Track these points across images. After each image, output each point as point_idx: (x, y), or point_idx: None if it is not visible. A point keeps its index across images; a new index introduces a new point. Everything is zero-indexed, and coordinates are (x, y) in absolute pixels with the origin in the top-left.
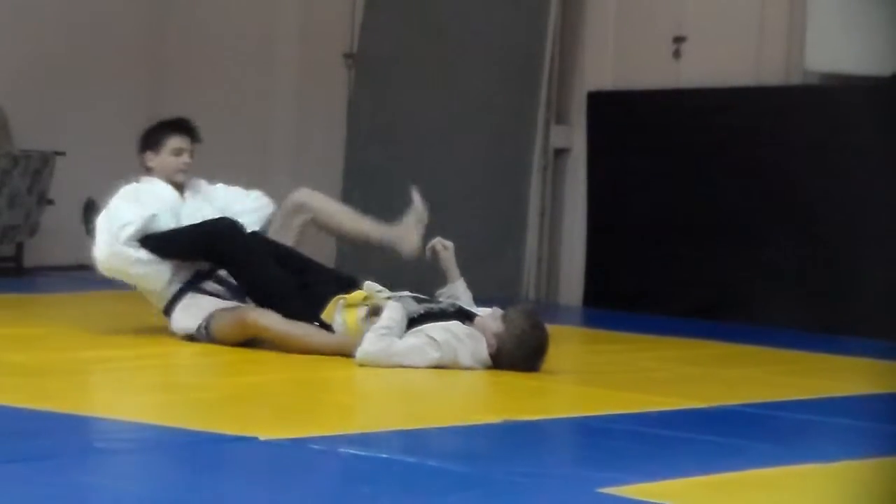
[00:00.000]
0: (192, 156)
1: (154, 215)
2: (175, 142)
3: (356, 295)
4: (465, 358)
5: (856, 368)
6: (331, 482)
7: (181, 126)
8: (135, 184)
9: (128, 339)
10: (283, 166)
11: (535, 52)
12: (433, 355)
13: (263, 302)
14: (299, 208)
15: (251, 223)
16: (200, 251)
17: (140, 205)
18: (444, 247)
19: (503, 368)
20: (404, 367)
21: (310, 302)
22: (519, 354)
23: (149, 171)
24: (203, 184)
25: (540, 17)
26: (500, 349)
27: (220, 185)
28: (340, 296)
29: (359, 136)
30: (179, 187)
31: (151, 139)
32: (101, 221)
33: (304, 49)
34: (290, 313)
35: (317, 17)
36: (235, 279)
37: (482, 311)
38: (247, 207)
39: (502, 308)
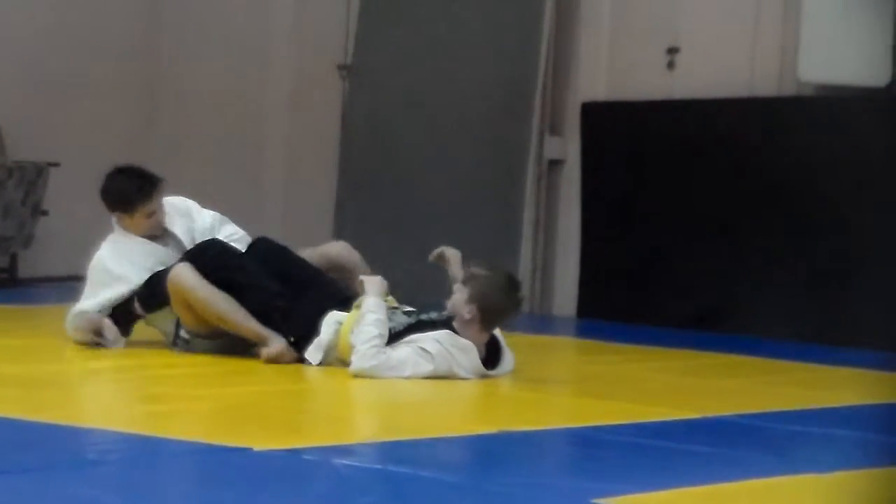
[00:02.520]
0: (161, 208)
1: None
2: (146, 207)
3: (352, 317)
4: (459, 369)
5: (852, 379)
6: (325, 493)
7: (150, 189)
8: (114, 244)
9: (120, 350)
10: (278, 177)
11: (529, 62)
12: (427, 367)
13: (265, 323)
14: (334, 264)
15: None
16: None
17: (113, 287)
18: (453, 254)
19: (496, 325)
20: (398, 378)
21: (296, 317)
22: (497, 297)
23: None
24: (176, 217)
25: (534, 28)
26: (480, 306)
27: (200, 213)
28: (335, 311)
29: (353, 146)
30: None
31: (120, 203)
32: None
33: (298, 60)
34: (283, 332)
35: (310, 28)
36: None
37: None
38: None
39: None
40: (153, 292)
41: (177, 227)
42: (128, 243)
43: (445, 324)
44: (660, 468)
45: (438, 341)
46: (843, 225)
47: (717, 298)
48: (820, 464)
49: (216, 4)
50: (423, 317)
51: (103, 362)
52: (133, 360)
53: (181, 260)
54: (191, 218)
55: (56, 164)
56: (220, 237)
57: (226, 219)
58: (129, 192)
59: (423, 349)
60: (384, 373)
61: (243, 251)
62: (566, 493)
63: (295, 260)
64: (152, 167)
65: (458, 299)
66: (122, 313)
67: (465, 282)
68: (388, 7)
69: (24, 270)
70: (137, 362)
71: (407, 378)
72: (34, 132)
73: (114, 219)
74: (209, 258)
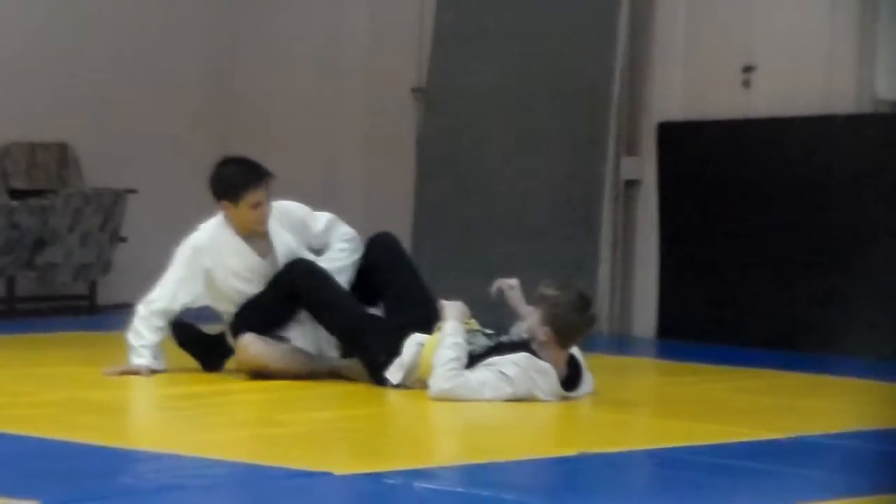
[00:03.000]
0: (268, 202)
1: (187, 302)
2: (253, 196)
3: (434, 339)
4: (538, 391)
5: None
6: None
7: (258, 177)
8: (207, 244)
9: (201, 376)
10: (354, 200)
11: (604, 83)
12: (506, 390)
13: (349, 343)
14: None
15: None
16: (286, 302)
17: (192, 280)
18: (509, 286)
19: (572, 344)
20: (477, 401)
21: (388, 341)
22: (570, 316)
23: (223, 213)
24: (285, 231)
25: (608, 49)
26: (554, 327)
27: (314, 218)
28: (417, 333)
29: (428, 170)
30: (261, 235)
31: (228, 190)
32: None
33: (373, 84)
34: (370, 351)
35: (384, 52)
36: (319, 321)
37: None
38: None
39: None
40: (245, 325)
41: (281, 241)
42: (226, 240)
43: (524, 346)
44: (744, 489)
45: (517, 364)
46: None
47: (797, 318)
48: None
49: (291, 30)
50: (504, 339)
51: (182, 388)
52: (212, 385)
53: (261, 300)
54: (305, 226)
55: (133, 191)
56: (334, 239)
57: (338, 220)
58: (237, 179)
59: (502, 372)
60: (462, 395)
61: (355, 252)
62: None
63: (400, 268)
64: None
65: (533, 321)
66: (213, 345)
67: (536, 303)
68: (461, 30)
69: (102, 297)
70: (217, 388)
71: (487, 400)
72: (112, 159)
73: (220, 211)
74: (296, 277)
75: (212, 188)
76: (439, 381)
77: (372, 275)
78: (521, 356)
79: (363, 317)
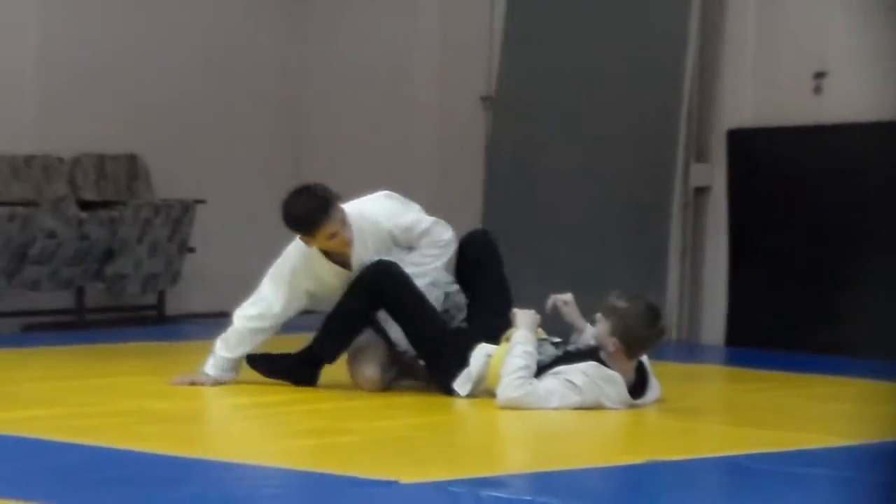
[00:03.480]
0: (345, 225)
1: (290, 317)
2: (326, 230)
3: (502, 349)
4: (606, 399)
5: None
6: None
7: (326, 213)
8: (303, 267)
9: (266, 385)
10: (424, 208)
11: (674, 89)
12: (574, 399)
13: (421, 350)
14: None
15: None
16: (366, 306)
17: (296, 300)
18: (563, 302)
19: (641, 354)
20: (544, 409)
21: (458, 353)
22: (639, 329)
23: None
24: (369, 239)
25: (678, 55)
26: (623, 339)
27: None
28: (484, 344)
29: (498, 178)
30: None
31: (301, 228)
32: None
33: (443, 93)
34: (441, 362)
35: (454, 62)
36: (400, 324)
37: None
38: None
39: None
40: (335, 343)
41: (364, 250)
42: (317, 261)
43: (592, 354)
44: (814, 496)
45: (585, 373)
46: None
47: (868, 324)
48: None
49: (360, 39)
50: (571, 348)
51: (249, 398)
52: (280, 395)
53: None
54: (392, 235)
55: (202, 202)
56: (425, 243)
57: (439, 224)
58: (307, 217)
59: (570, 381)
60: (530, 403)
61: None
62: None
63: (490, 270)
64: None
65: (602, 331)
66: (297, 365)
67: (605, 314)
68: (530, 38)
69: (171, 307)
70: (284, 398)
71: (554, 409)
72: (180, 170)
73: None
74: (375, 279)
75: (286, 224)
76: (507, 390)
77: (462, 268)
78: (589, 365)
79: (436, 327)
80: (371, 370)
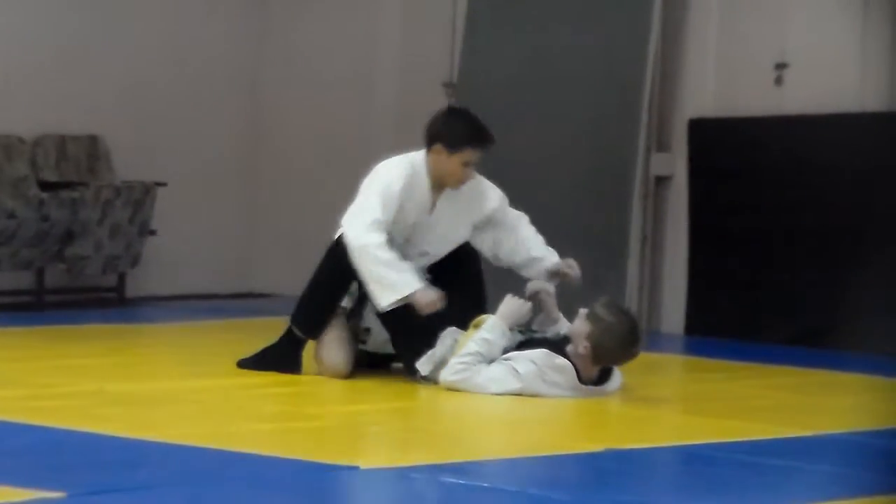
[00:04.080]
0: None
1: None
2: (471, 154)
3: (467, 335)
4: (556, 388)
5: None
6: None
7: (484, 139)
8: (404, 185)
9: (229, 368)
10: None
11: (636, 79)
12: (514, 385)
13: (391, 327)
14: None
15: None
16: (341, 275)
17: (393, 211)
18: (547, 292)
19: (605, 364)
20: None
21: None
22: (614, 346)
23: (428, 154)
24: (472, 190)
25: (640, 45)
26: (595, 348)
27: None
28: (454, 328)
29: None
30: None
31: (452, 138)
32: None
33: (404, 78)
34: (409, 339)
35: (416, 47)
36: (361, 290)
37: None
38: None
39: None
40: (313, 317)
41: (455, 200)
42: (418, 186)
43: (557, 345)
44: (771, 487)
45: (533, 361)
46: None
47: (826, 315)
48: None
49: (322, 23)
50: (538, 335)
51: (210, 381)
52: (241, 379)
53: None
54: (483, 213)
55: (163, 184)
56: (523, 225)
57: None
58: (465, 132)
59: (514, 368)
60: (468, 389)
61: None
62: None
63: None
64: (257, 185)
65: (579, 331)
66: (287, 346)
67: (589, 317)
68: (493, 25)
69: (131, 290)
70: (245, 381)
71: (495, 394)
72: (142, 152)
73: (429, 157)
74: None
75: (431, 130)
76: (447, 372)
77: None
78: (540, 353)
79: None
80: (336, 356)
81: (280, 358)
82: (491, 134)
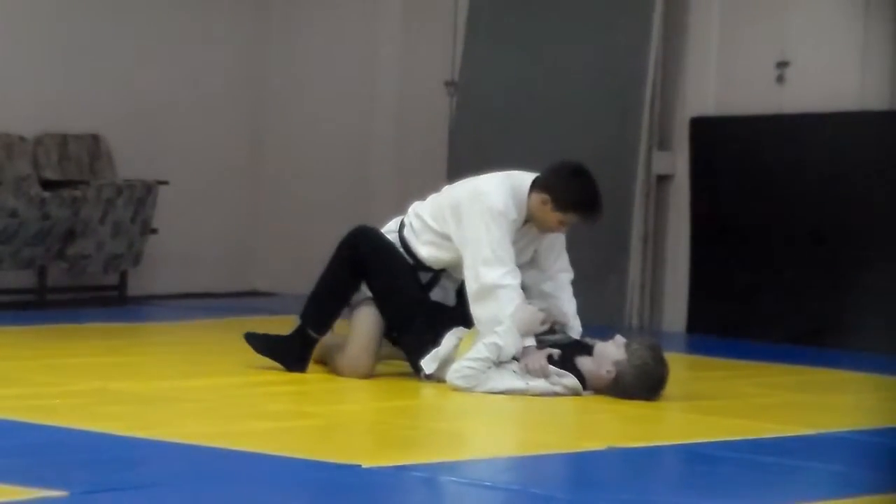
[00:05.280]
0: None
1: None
2: (573, 219)
3: (471, 335)
4: (560, 388)
5: None
6: None
7: (592, 212)
8: (505, 212)
9: (230, 367)
10: (386, 192)
11: (637, 78)
12: (520, 385)
13: (399, 325)
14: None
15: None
16: (350, 272)
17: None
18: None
19: (618, 396)
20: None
21: (435, 329)
22: (638, 385)
23: (532, 191)
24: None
25: (642, 44)
26: (619, 378)
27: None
28: (461, 327)
29: (461, 163)
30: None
31: (564, 197)
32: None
33: (405, 77)
34: (416, 337)
35: (417, 46)
36: (371, 285)
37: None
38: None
39: (626, 338)
40: (322, 315)
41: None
42: (514, 213)
43: (566, 347)
44: (771, 484)
45: (550, 382)
46: None
47: (828, 313)
48: None
49: (325, 23)
50: (549, 338)
51: (213, 379)
52: (243, 377)
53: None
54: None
55: (165, 183)
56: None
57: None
58: (580, 198)
59: (525, 382)
60: (475, 392)
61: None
62: None
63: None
64: (258, 183)
65: (610, 354)
66: (296, 343)
67: (627, 348)
68: (494, 24)
69: (133, 288)
70: (248, 380)
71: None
72: (143, 151)
73: (532, 196)
74: (361, 248)
75: (549, 178)
76: (455, 375)
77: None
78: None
79: (413, 299)
80: (365, 359)
81: (288, 353)
82: (601, 209)
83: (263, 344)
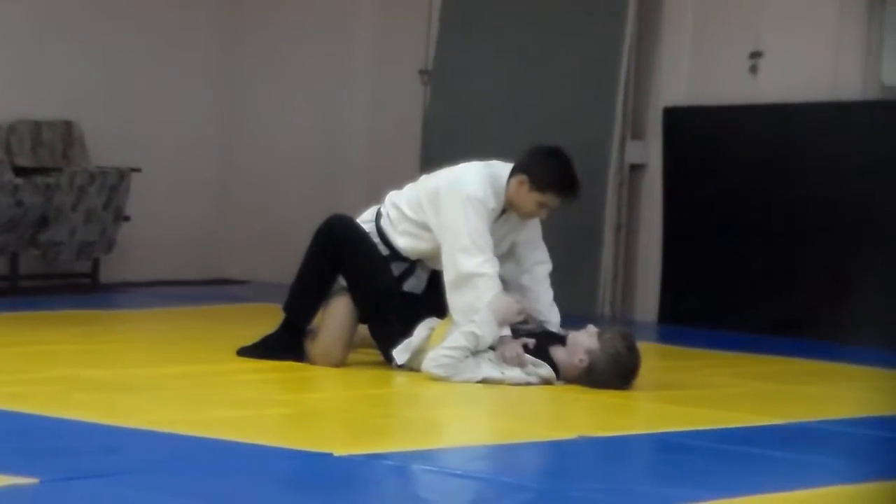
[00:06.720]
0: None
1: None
2: (552, 200)
3: (444, 325)
4: (533, 378)
5: None
6: (405, 499)
7: (570, 192)
8: (484, 199)
9: (202, 355)
10: (359, 181)
11: (611, 67)
12: (496, 375)
13: (372, 313)
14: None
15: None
16: (326, 260)
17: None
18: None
19: (590, 386)
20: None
21: (407, 319)
22: (611, 374)
23: (511, 177)
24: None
25: (616, 33)
26: (592, 366)
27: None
28: (433, 318)
29: (434, 151)
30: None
31: (542, 178)
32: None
33: (380, 66)
34: (388, 326)
35: (392, 34)
36: (345, 275)
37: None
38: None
39: (598, 327)
40: (304, 305)
41: (515, 229)
42: (493, 199)
43: (539, 336)
44: (742, 474)
45: (527, 372)
46: None
47: (799, 304)
48: None
49: (300, 11)
50: (523, 327)
51: (185, 367)
52: (215, 365)
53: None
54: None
55: (138, 170)
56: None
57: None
58: (557, 178)
59: (501, 371)
60: (452, 381)
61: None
62: (647, 500)
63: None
64: (233, 173)
65: (583, 343)
66: (287, 334)
67: (599, 338)
68: (468, 13)
69: (105, 275)
70: (220, 368)
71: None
72: (116, 138)
73: (510, 182)
74: (337, 236)
75: (525, 160)
76: (432, 363)
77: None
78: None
79: (385, 288)
80: (338, 348)
81: (281, 346)
82: (579, 189)
83: (257, 351)
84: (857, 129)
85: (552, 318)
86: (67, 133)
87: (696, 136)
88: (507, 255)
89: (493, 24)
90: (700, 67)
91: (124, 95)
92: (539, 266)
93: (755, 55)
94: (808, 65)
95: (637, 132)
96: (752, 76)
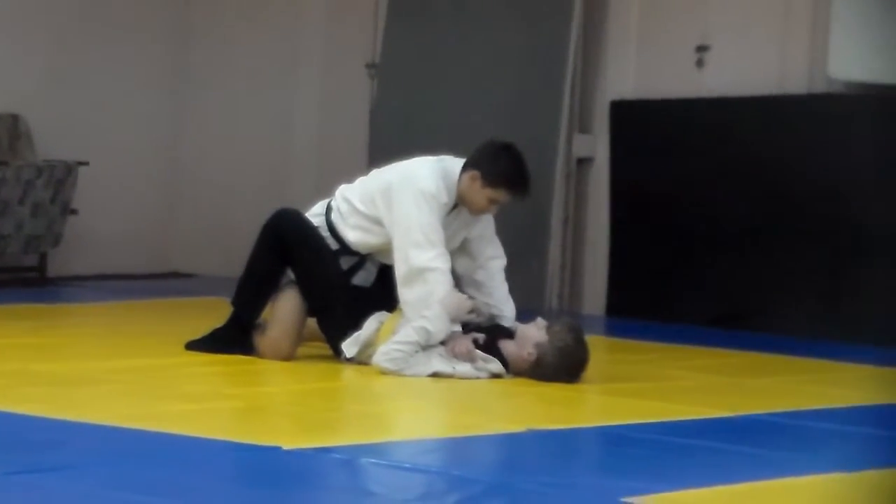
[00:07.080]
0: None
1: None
2: (502, 196)
3: (394, 318)
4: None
5: (879, 377)
6: (353, 492)
7: (522, 190)
8: (436, 194)
9: (150, 348)
10: (306, 176)
11: (558, 61)
12: (447, 369)
13: (319, 306)
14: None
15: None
16: (274, 254)
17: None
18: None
19: (539, 379)
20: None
21: (355, 313)
22: (559, 366)
23: (463, 172)
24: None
25: (562, 26)
26: (541, 359)
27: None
28: (383, 312)
29: (382, 145)
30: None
31: (493, 174)
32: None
33: (327, 59)
34: (336, 320)
35: (339, 27)
36: (293, 268)
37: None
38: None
39: (547, 320)
40: (251, 299)
41: (465, 226)
42: (445, 195)
43: (488, 330)
44: (690, 466)
45: (477, 368)
46: (872, 223)
47: (746, 297)
48: (850, 462)
49: (247, 5)
50: (472, 321)
51: (134, 361)
52: (164, 359)
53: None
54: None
55: (85, 163)
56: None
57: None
58: (509, 175)
59: (452, 366)
60: (402, 375)
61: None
62: (595, 492)
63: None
64: (182, 166)
65: (531, 336)
66: (235, 329)
67: (548, 330)
68: (415, 6)
69: (52, 269)
70: (168, 361)
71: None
72: (63, 131)
73: (462, 178)
74: (285, 229)
75: (477, 156)
76: (382, 357)
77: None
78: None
79: (333, 282)
80: (286, 342)
81: (230, 341)
82: (529, 185)
83: (205, 345)
84: (804, 122)
85: (507, 312)
86: (14, 127)
87: (643, 129)
88: (459, 250)
89: (441, 17)
90: (647, 61)
91: (71, 89)
92: (493, 261)
93: (701, 49)
94: (754, 58)
95: (584, 126)
96: (699, 70)
